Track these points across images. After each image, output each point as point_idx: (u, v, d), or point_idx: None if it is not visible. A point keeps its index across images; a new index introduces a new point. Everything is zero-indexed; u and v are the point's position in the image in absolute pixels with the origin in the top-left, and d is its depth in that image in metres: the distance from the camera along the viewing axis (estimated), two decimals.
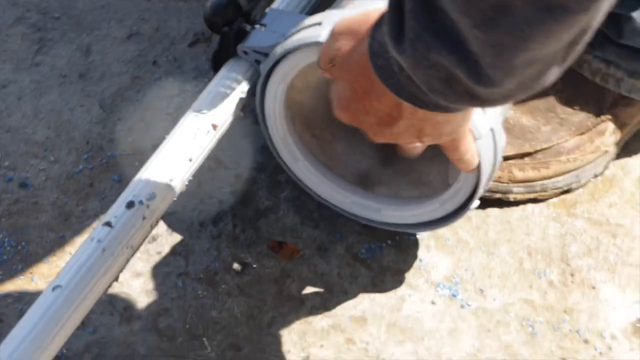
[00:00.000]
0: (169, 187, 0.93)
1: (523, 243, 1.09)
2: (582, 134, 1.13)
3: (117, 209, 0.91)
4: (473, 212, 1.10)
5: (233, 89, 1.00)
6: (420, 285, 1.05)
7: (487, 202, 1.10)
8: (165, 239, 1.06)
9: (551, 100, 1.13)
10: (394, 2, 0.71)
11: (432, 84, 0.74)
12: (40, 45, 1.22)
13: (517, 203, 1.13)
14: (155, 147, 0.99)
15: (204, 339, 1.01)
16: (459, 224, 1.09)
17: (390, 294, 1.04)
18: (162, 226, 1.07)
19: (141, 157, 1.11)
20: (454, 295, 1.05)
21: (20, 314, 0.94)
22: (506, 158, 1.10)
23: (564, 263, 1.08)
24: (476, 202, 0.98)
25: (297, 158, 1.06)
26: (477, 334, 1.02)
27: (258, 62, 1.02)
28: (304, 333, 1.02)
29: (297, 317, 1.02)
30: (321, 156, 1.08)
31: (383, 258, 1.06)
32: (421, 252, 1.07)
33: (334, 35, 0.87)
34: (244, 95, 1.01)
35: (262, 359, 1.00)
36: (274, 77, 0.99)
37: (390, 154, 1.09)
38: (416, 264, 1.07)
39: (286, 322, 1.02)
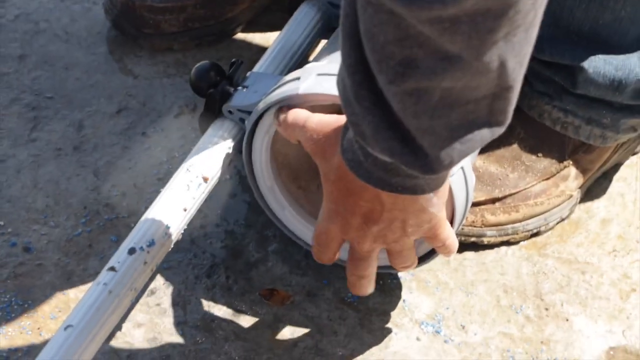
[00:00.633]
0: (166, 235, 1.00)
1: (499, 282, 1.15)
2: (547, 179, 1.20)
3: (120, 255, 0.97)
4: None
5: (220, 145, 1.08)
6: (405, 323, 1.11)
7: (463, 246, 1.17)
8: (163, 291, 1.12)
9: (516, 149, 1.20)
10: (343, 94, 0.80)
11: (383, 162, 0.83)
12: (36, 123, 1.29)
13: (491, 246, 1.19)
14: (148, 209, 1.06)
15: None
16: (438, 267, 1.16)
17: (378, 333, 1.10)
18: (159, 280, 1.13)
19: (136, 218, 1.17)
20: (437, 332, 1.11)
21: None
22: (478, 204, 1.17)
23: (538, 299, 1.14)
24: None
25: (285, 207, 1.13)
26: None
27: (242, 120, 1.10)
28: None
29: (291, 357, 1.08)
30: (307, 206, 1.14)
31: (369, 300, 1.13)
32: (404, 294, 1.14)
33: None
34: (230, 151, 1.09)
35: None
36: (259, 132, 1.06)
37: None
38: (400, 304, 1.13)
39: None
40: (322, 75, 1.00)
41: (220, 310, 1.11)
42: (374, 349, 1.09)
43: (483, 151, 1.19)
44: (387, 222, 0.95)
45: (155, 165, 1.25)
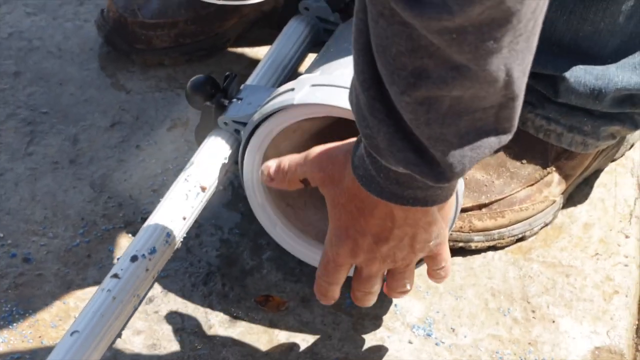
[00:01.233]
0: (167, 242, 1.03)
1: (487, 286, 1.19)
2: (532, 185, 1.23)
3: (122, 262, 1.00)
4: None
5: (217, 156, 1.11)
6: (397, 327, 1.14)
7: (451, 252, 1.19)
8: (161, 299, 1.15)
9: (501, 156, 1.23)
10: (356, 109, 0.83)
11: (396, 175, 0.86)
12: (32, 137, 1.32)
13: (478, 251, 1.22)
14: (144, 220, 1.08)
15: None
16: None
17: (371, 336, 1.13)
18: (157, 288, 1.15)
19: (133, 229, 1.21)
20: (428, 335, 1.14)
21: None
22: (466, 210, 1.20)
23: (525, 301, 1.17)
24: None
25: (275, 224, 1.16)
26: None
27: (237, 131, 1.13)
28: None
29: None
30: (296, 223, 1.16)
31: None
32: (396, 299, 1.17)
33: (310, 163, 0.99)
34: (226, 161, 1.12)
35: None
36: (251, 146, 1.08)
37: None
38: (392, 309, 1.16)
39: None
40: (316, 85, 1.03)
41: (217, 317, 1.14)
42: (368, 352, 1.12)
43: None
44: (397, 240, 0.97)
45: (150, 177, 1.28)
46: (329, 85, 1.02)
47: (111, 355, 1.09)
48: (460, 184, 1.05)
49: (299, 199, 1.17)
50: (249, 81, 1.19)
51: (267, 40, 1.42)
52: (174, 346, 1.11)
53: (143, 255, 1.01)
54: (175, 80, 1.40)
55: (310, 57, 1.29)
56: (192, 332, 1.12)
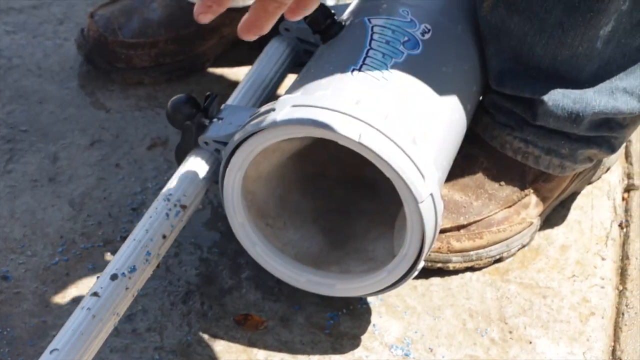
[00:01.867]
0: (147, 261, 1.03)
1: (464, 306, 1.19)
2: (509, 207, 1.25)
3: (102, 280, 1.00)
4: (418, 281, 1.21)
5: (197, 175, 1.11)
6: (376, 347, 1.15)
7: (429, 272, 1.21)
8: (140, 318, 1.15)
9: (480, 178, 1.25)
10: None
11: None
12: (11, 155, 1.32)
13: (456, 272, 1.23)
14: (123, 238, 1.09)
15: None
16: (406, 292, 1.20)
17: (349, 356, 1.14)
18: (136, 306, 1.15)
19: (112, 247, 1.21)
20: (406, 355, 1.14)
21: None
22: (444, 230, 1.21)
23: (502, 322, 1.18)
24: (422, 264, 1.08)
25: (255, 243, 1.16)
26: None
27: (218, 151, 1.13)
28: None
29: None
30: (276, 242, 1.16)
31: (340, 325, 1.16)
32: (374, 319, 1.17)
33: None
34: (206, 181, 1.12)
35: None
36: (232, 165, 1.09)
37: (338, 237, 1.20)
38: (370, 328, 1.16)
39: None
40: (297, 106, 1.03)
41: (196, 336, 1.14)
42: None
43: (448, 180, 1.23)
44: None
45: (130, 196, 1.28)
46: (310, 106, 1.03)
47: None
48: (439, 204, 1.06)
49: (279, 219, 1.17)
50: (229, 101, 1.20)
51: (247, 61, 1.42)
52: None
53: (123, 273, 1.01)
54: (155, 99, 1.41)
55: (291, 78, 1.29)
56: (171, 351, 1.12)
